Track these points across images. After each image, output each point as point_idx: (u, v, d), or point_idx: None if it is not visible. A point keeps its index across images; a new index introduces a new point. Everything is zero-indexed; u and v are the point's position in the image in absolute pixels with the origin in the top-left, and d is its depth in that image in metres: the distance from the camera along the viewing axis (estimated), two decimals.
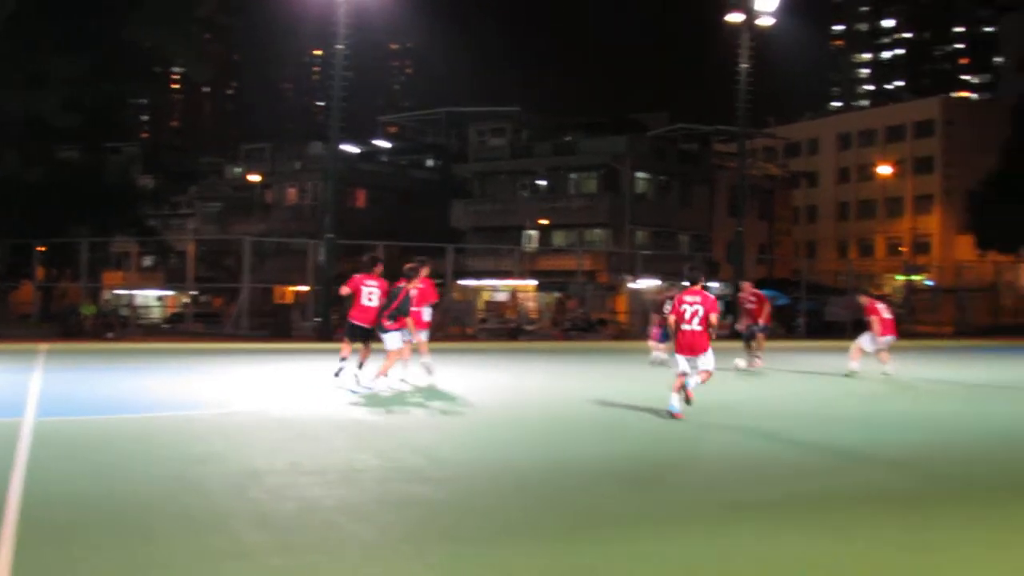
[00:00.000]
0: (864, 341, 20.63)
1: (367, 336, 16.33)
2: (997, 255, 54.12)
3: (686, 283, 13.31)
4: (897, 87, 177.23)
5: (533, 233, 61.76)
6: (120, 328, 34.22)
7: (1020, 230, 51.85)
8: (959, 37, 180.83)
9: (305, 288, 42.60)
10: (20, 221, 38.53)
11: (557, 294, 47.46)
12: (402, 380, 16.50)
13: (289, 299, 50.24)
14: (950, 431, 12.77)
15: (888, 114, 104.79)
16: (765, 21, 40.78)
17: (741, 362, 21.21)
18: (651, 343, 23.84)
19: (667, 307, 23.82)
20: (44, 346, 26.12)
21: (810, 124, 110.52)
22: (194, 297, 50.43)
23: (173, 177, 67.37)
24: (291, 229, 56.93)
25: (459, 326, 36.88)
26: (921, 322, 48.10)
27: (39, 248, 38.34)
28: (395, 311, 15.50)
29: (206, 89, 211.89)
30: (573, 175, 66.22)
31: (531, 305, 48.00)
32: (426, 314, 17.32)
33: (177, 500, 7.53)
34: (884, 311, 20.74)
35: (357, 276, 16.40)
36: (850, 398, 16.40)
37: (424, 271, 16.48)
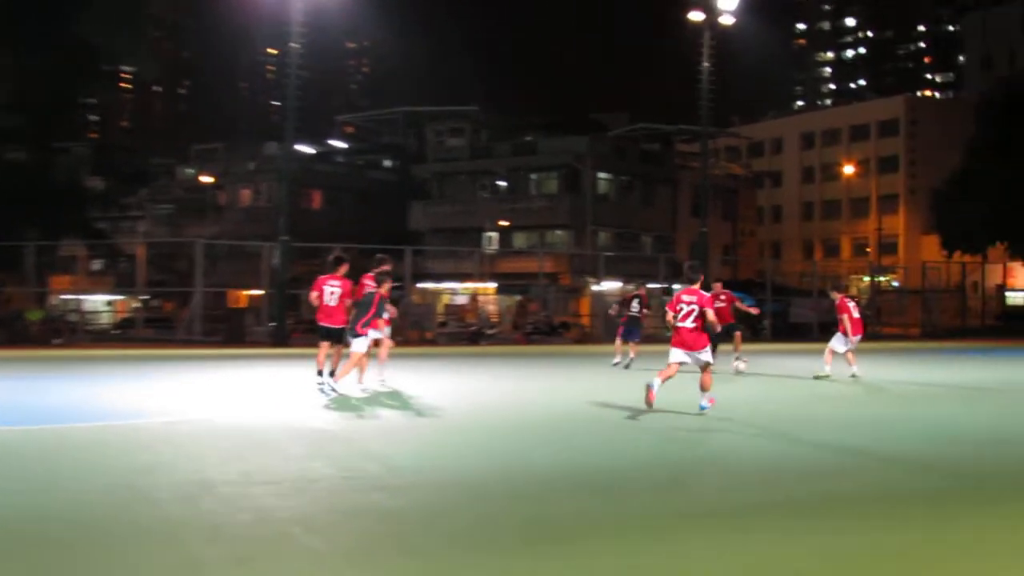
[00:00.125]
0: (835, 343, 20.70)
1: (333, 336, 16.31)
2: (963, 256, 54.63)
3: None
4: (860, 86, 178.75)
5: (493, 235, 61.77)
6: (68, 334, 33.84)
7: (984, 230, 52.37)
8: (921, 36, 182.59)
9: (259, 292, 42.31)
10: None
11: (518, 297, 47.36)
12: (363, 387, 16.48)
13: (243, 303, 49.83)
14: (927, 433, 12.82)
15: (852, 113, 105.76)
16: (727, 20, 41.01)
17: (741, 364, 21.06)
18: (617, 345, 23.87)
19: (635, 306, 24.13)
20: None
21: (774, 123, 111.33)
22: (145, 302, 49.94)
23: (123, 178, 66.63)
24: (245, 231, 56.55)
25: (418, 330, 36.76)
26: (888, 324, 48.49)
27: None
28: (371, 318, 15.69)
29: (157, 88, 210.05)
30: (533, 175, 66.33)
31: (492, 308, 47.92)
32: (385, 312, 17.26)
33: (126, 512, 7.42)
34: (855, 310, 20.86)
35: (321, 277, 16.44)
36: (823, 401, 16.44)
37: (384, 267, 16.63)
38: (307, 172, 61.10)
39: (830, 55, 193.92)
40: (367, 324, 15.66)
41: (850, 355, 20.48)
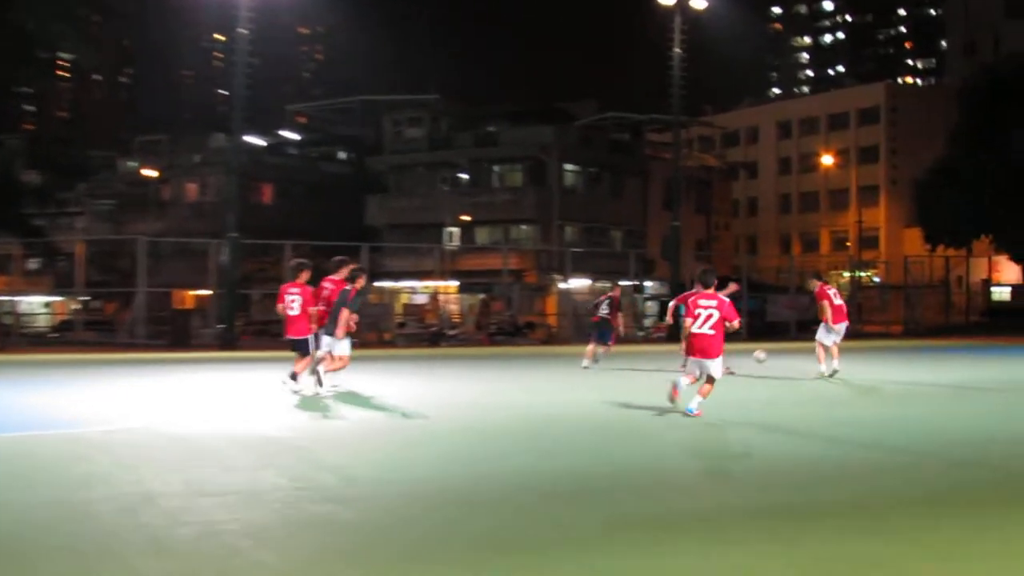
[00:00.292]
0: (821, 335, 20.71)
1: (295, 348, 16.69)
2: (947, 249, 55.04)
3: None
4: (839, 73, 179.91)
5: (454, 230, 61.69)
6: (2, 338, 33.52)
7: (969, 222, 52.77)
8: (902, 20, 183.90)
9: (207, 292, 42.06)
10: None
11: (481, 295, 47.36)
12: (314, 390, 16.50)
13: (189, 304, 49.52)
14: (912, 434, 12.87)
15: (830, 101, 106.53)
16: (698, 3, 41.13)
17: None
18: (591, 348, 23.92)
19: (603, 308, 24.18)
20: None
21: (749, 112, 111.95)
22: (85, 303, 49.53)
23: (61, 172, 66.02)
24: (191, 228, 56.22)
25: (375, 331, 36.64)
26: (869, 321, 48.78)
27: None
28: (348, 316, 16.14)
29: (97, 77, 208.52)
30: (496, 168, 66.33)
31: (453, 308, 47.88)
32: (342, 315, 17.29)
33: (61, 528, 7.33)
34: (835, 296, 20.91)
35: (283, 285, 17.01)
36: (803, 404, 16.50)
37: (345, 271, 16.90)
38: (257, 165, 60.77)
39: (807, 40, 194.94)
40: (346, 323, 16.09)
41: (834, 349, 20.53)
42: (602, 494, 8.86)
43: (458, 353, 32.02)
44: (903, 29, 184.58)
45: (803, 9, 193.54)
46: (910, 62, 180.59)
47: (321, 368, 16.54)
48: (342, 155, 74.81)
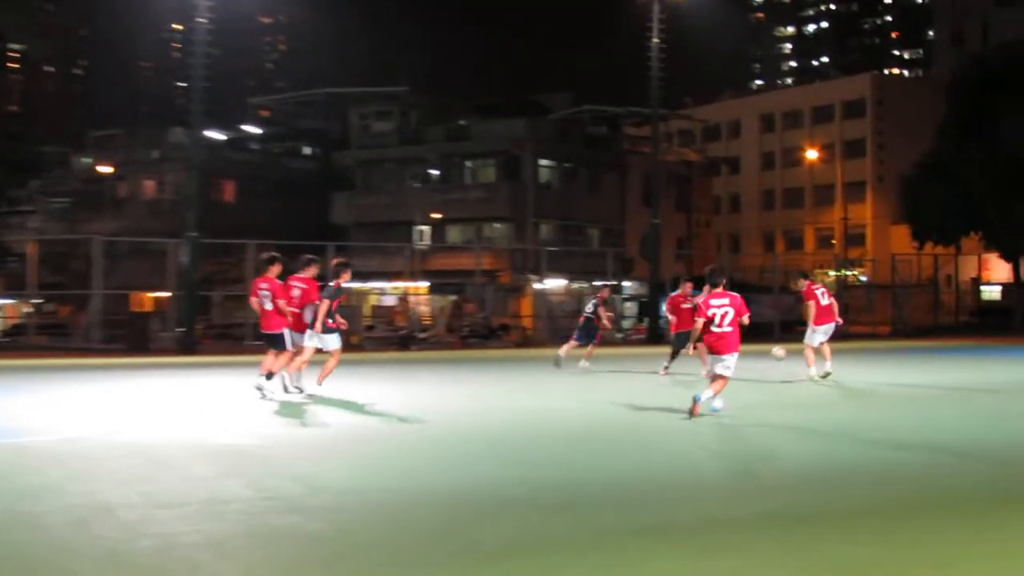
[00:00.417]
0: (807, 338, 20.79)
1: (270, 342, 16.86)
2: (935, 247, 55.28)
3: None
4: (823, 64, 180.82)
5: (425, 229, 61.62)
6: None
7: (958, 219, 53.01)
8: (888, 9, 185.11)
9: (165, 294, 41.87)
10: None
11: (453, 297, 47.26)
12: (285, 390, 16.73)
13: (147, 307, 49.32)
14: (895, 440, 12.93)
15: (815, 93, 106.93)
16: None
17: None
18: (566, 347, 24.02)
19: (589, 307, 24.32)
20: None
21: (730, 105, 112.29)
22: (37, 306, 49.22)
23: (11, 168, 65.89)
24: (149, 227, 55.95)
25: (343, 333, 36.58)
26: (856, 322, 48.94)
27: None
28: (334, 311, 16.47)
29: (49, 68, 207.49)
30: (469, 163, 66.30)
31: (424, 309, 47.82)
32: (307, 315, 17.28)
33: (10, 540, 7.27)
34: (823, 296, 20.97)
35: (255, 280, 17.18)
36: (786, 408, 16.54)
37: (313, 270, 17.25)
38: (218, 161, 60.55)
39: (790, 30, 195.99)
40: (332, 316, 16.39)
41: (827, 349, 20.62)
42: (586, 504, 8.85)
43: (429, 357, 31.99)
44: (889, 18, 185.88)
45: None
46: (897, 52, 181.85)
47: (286, 373, 16.64)
48: (307, 150, 74.62)
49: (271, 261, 16.92)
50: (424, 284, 53.82)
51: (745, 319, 14.35)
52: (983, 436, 13.49)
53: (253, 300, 16.92)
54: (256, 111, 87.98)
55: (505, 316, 46.30)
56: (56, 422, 14.13)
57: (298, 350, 16.93)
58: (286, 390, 16.65)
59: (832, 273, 63.77)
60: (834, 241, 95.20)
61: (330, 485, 9.54)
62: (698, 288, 24.50)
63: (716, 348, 14.32)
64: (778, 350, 20.24)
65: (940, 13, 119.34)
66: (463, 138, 65.70)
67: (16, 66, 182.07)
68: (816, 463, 11.04)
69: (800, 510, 8.57)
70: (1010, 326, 49.99)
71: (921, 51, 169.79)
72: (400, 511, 8.44)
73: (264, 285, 16.67)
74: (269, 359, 16.69)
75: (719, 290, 14.55)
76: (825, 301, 20.97)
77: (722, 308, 14.24)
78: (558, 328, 40.47)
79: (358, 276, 53.52)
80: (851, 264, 74.86)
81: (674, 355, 22.00)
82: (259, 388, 16.41)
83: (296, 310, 16.72)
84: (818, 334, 20.71)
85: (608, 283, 35.17)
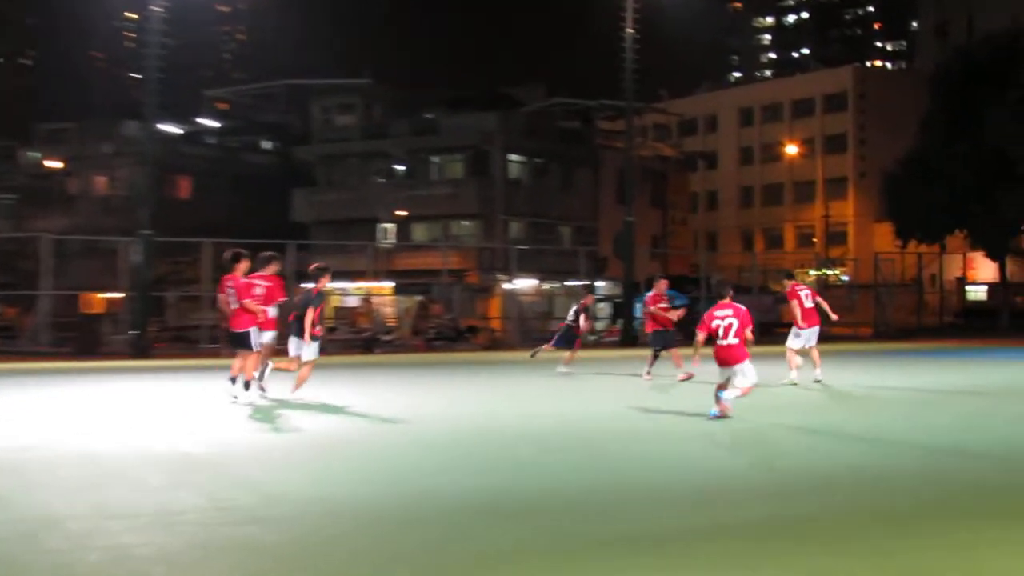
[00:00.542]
0: (791, 340, 20.86)
1: (235, 342, 16.95)
2: (919, 246, 55.56)
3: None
4: (803, 55, 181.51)
5: (389, 226, 61.53)
6: None
7: (942, 217, 53.28)
8: None
9: (117, 295, 41.68)
10: None
11: (419, 297, 47.22)
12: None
13: (98, 308, 49.09)
14: (898, 443, 13.00)
15: (795, 86, 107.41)
16: None
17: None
18: (545, 347, 24.26)
19: (571, 314, 24.50)
20: None
21: (707, 98, 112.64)
22: None
23: None
24: (100, 225, 55.70)
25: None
26: (837, 323, 49.12)
27: None
28: (318, 318, 16.69)
29: None
30: (435, 158, 66.31)
31: (388, 311, 47.78)
32: (272, 313, 17.31)
33: None
34: (807, 298, 21.01)
35: (223, 277, 17.28)
36: (789, 410, 16.60)
37: (274, 267, 17.36)
38: (173, 155, 60.40)
39: (770, 21, 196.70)
40: (314, 324, 16.52)
41: (815, 354, 20.70)
42: (551, 512, 8.86)
43: (394, 360, 31.99)
44: (871, 9, 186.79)
45: None
46: (879, 44, 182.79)
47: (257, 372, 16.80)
48: (266, 145, 74.45)
49: (236, 258, 16.90)
50: (388, 284, 53.77)
51: (749, 332, 14.70)
52: (964, 442, 13.54)
53: (221, 297, 17.06)
54: (213, 104, 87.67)
55: (473, 318, 46.32)
56: (2, 430, 14.08)
57: (266, 350, 17.00)
58: (247, 387, 16.67)
59: (813, 272, 64.10)
60: (815, 239, 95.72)
61: (288, 495, 9.52)
62: (673, 288, 24.68)
63: (726, 360, 14.53)
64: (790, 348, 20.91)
65: (924, 4, 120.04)
66: (430, 132, 65.68)
67: None
68: (796, 470, 11.10)
69: (780, 519, 8.60)
70: (996, 327, 50.31)
71: (904, 43, 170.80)
72: (362, 522, 8.43)
73: (230, 283, 16.77)
74: (238, 363, 16.74)
75: (725, 301, 14.93)
76: (809, 303, 21.00)
77: (726, 320, 14.54)
78: (528, 330, 40.55)
79: None
80: (832, 263, 75.35)
81: (655, 357, 22.16)
82: (234, 397, 16.46)
83: (263, 307, 16.81)
84: (800, 338, 20.75)
85: (590, 289, 35.24)
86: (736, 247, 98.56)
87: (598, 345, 40.06)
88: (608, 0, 43.07)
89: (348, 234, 59.03)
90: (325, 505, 9.07)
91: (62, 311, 38.02)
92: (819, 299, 21.43)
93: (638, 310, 34.80)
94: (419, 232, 64.67)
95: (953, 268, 60.40)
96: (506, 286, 47.89)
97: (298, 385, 16.73)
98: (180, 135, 68.91)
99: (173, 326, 42.11)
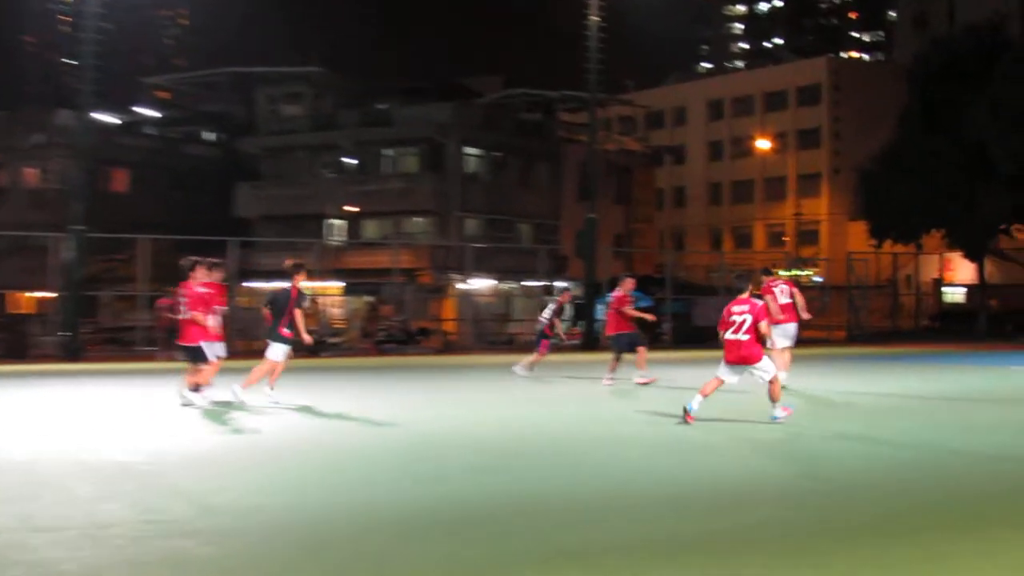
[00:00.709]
0: (777, 342, 20.70)
1: (187, 355, 17.08)
2: (894, 245, 55.81)
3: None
4: (776, 45, 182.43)
5: (338, 223, 61.39)
6: None
7: (919, 215, 53.53)
8: None
9: (48, 294, 41.44)
10: None
11: (368, 298, 47.24)
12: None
13: (27, 308, 48.84)
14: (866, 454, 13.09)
15: (767, 78, 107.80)
16: None
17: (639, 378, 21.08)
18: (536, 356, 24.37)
19: (546, 312, 24.58)
20: None
21: (675, 89, 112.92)
22: None
23: None
24: (30, 219, 55.19)
25: (245, 339, 36.35)
26: (808, 326, 49.35)
27: None
28: (290, 320, 17.11)
29: None
30: (388, 151, 66.19)
31: (336, 312, 47.70)
32: (212, 322, 17.23)
33: None
34: (781, 294, 20.97)
35: (181, 284, 17.30)
36: (760, 416, 16.67)
37: (209, 272, 17.35)
38: (109, 147, 59.98)
39: (741, 9, 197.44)
40: (289, 326, 17.04)
41: (786, 356, 20.64)
42: (499, 522, 8.91)
43: (341, 364, 31.89)
44: None
45: None
46: (855, 35, 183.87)
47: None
48: (209, 136, 74.08)
49: (193, 265, 16.90)
50: (337, 284, 53.67)
51: (763, 325, 14.87)
52: (949, 449, 13.67)
53: (168, 304, 17.19)
54: (153, 92, 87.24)
55: (425, 319, 46.28)
56: None
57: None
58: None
59: (783, 273, 64.29)
60: (786, 238, 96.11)
61: (223, 505, 9.51)
62: (638, 288, 24.73)
63: (741, 356, 14.81)
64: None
65: None
66: (382, 124, 65.51)
67: None
68: (760, 478, 11.17)
69: (756, 529, 8.66)
70: (973, 331, 50.61)
71: (882, 33, 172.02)
72: (303, 534, 8.43)
73: (185, 291, 16.82)
74: (190, 377, 16.91)
75: (744, 296, 15.16)
76: (784, 299, 20.97)
77: (742, 315, 14.82)
78: (484, 333, 40.56)
79: (263, 275, 53.49)
80: (804, 263, 75.71)
81: (617, 360, 22.16)
82: (188, 403, 16.52)
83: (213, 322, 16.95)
84: (787, 337, 20.70)
85: (567, 287, 35.35)
86: (704, 246, 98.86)
87: (560, 348, 40.10)
88: None
89: (295, 231, 58.90)
90: (263, 516, 9.07)
91: None
92: (795, 291, 21.38)
93: (600, 312, 34.87)
94: (370, 229, 64.54)
95: (930, 269, 60.74)
96: (461, 286, 47.93)
97: (251, 382, 17.14)
98: (117, 125, 68.55)
99: (107, 327, 41.89)
